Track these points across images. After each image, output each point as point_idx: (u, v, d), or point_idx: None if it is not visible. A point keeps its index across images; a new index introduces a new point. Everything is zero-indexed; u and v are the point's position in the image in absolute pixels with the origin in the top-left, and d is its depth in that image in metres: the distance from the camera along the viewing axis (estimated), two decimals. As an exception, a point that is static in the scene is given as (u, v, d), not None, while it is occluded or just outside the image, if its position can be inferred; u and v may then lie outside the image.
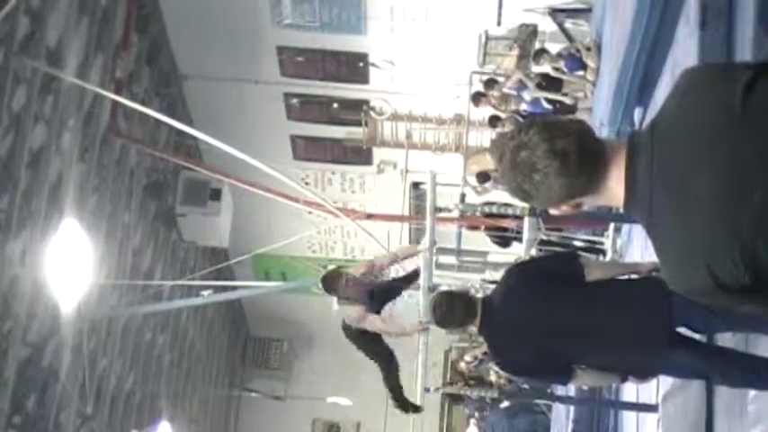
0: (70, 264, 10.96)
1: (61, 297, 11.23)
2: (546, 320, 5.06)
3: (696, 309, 4.43)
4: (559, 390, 13.07)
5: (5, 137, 11.23)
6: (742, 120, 2.35)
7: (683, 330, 4.92)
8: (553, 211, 2.69)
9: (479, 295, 5.97)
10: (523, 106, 14.18)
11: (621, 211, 2.61)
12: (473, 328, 5.51)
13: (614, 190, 2.54)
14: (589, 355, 5.10)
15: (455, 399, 18.47)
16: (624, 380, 5.50)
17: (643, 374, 5.39)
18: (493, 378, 16.12)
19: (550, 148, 2.51)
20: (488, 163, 15.20)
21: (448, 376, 19.78)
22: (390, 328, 10.12)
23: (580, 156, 2.51)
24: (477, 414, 16.83)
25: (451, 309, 5.46)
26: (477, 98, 14.99)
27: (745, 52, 5.73)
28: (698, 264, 2.39)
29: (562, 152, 2.51)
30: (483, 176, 14.82)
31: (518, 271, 5.69)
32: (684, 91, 2.53)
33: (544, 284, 5.14)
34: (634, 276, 5.21)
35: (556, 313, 5.06)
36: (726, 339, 5.24)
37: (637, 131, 2.61)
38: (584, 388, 10.26)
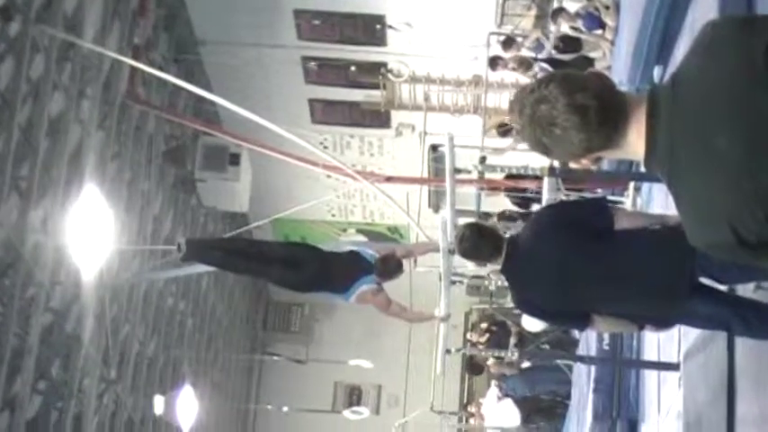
0: (91, 230, 11.01)
1: (83, 263, 11.29)
2: (571, 266, 5.03)
3: (718, 260, 4.41)
4: (580, 349, 13.08)
5: (24, 105, 11.27)
6: (764, 75, 2.33)
7: (705, 281, 4.90)
8: (573, 165, 2.68)
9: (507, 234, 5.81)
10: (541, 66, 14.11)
11: (641, 165, 2.60)
12: (495, 266, 5.45)
13: (634, 144, 2.53)
14: (611, 302, 5.09)
15: (474, 370, 18.50)
16: (642, 328, 5.48)
17: (662, 323, 5.37)
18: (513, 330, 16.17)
19: (570, 102, 2.50)
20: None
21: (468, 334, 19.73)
22: (412, 316, 10.07)
23: (600, 110, 2.50)
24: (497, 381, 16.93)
25: (477, 244, 5.40)
26: (494, 62, 14.91)
27: (766, 8, 5.68)
28: (719, 220, 2.39)
29: (582, 106, 2.49)
30: (504, 130, 14.78)
31: (547, 214, 5.64)
32: (706, 45, 2.50)
33: (572, 229, 5.08)
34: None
35: (581, 259, 5.02)
36: (747, 292, 5.23)
37: (657, 86, 2.59)
38: (605, 348, 10.27)
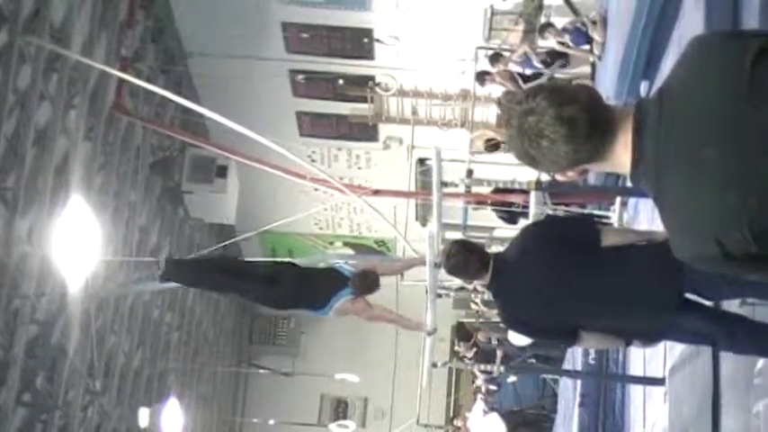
0: (77, 242, 10.97)
1: (69, 275, 11.25)
2: (558, 282, 5.03)
3: (705, 275, 4.42)
4: (566, 363, 13.09)
5: (11, 115, 11.25)
6: (751, 89, 2.34)
7: (691, 297, 4.91)
8: (559, 177, 2.68)
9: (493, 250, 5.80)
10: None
11: (628, 178, 2.60)
12: (481, 282, 5.44)
13: (621, 157, 2.53)
14: (599, 318, 5.08)
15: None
16: (629, 343, 5.48)
17: (649, 338, 5.36)
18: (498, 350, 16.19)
19: (558, 114, 2.49)
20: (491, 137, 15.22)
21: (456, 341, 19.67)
22: (397, 318, 10.03)
23: (588, 122, 2.50)
24: (485, 388, 16.98)
25: (465, 260, 5.37)
26: (482, 78, 14.92)
27: (751, 23, 5.72)
28: (705, 232, 2.39)
29: (570, 118, 2.49)
30: (491, 144, 14.80)
31: (534, 230, 5.63)
32: (693, 59, 2.52)
33: (559, 246, 5.07)
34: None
35: (569, 276, 5.02)
36: (733, 307, 5.24)
37: (645, 99, 2.60)
38: (591, 362, 10.29)
